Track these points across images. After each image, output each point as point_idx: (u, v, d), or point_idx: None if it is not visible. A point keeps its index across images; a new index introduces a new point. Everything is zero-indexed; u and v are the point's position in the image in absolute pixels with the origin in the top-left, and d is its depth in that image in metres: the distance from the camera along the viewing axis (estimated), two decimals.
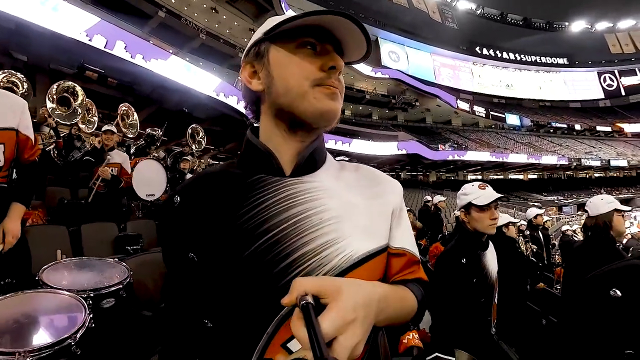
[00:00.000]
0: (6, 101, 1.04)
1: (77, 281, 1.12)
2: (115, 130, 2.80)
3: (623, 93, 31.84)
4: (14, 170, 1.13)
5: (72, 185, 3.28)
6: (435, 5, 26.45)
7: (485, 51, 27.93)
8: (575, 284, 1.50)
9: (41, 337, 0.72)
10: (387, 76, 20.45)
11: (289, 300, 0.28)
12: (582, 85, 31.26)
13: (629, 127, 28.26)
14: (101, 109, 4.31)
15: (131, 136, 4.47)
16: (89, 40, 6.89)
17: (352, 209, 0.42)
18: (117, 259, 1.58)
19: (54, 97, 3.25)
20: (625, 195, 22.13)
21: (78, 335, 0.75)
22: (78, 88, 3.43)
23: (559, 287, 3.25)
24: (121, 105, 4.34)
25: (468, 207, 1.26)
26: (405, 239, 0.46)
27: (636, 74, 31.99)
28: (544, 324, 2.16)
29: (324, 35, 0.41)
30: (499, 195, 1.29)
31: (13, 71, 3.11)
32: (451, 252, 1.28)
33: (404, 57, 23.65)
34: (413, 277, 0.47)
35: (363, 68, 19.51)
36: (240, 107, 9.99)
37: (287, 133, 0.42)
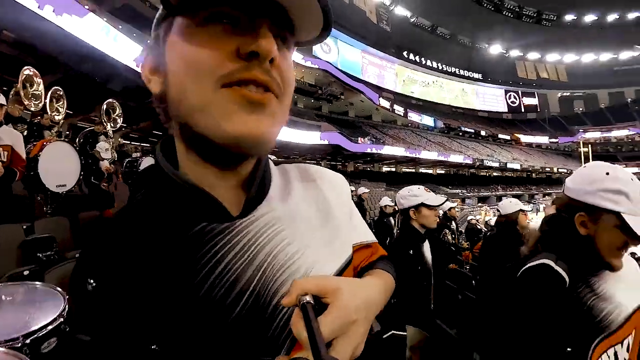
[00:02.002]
0: None
1: (3, 325, 0.85)
2: (3, 101, 2.09)
3: (523, 110, 39.23)
4: None
5: None
6: (374, 6, 28.28)
7: (411, 56, 31.04)
8: (489, 266, 1.86)
9: None
10: (316, 66, 20.98)
11: (289, 300, 0.27)
12: (491, 98, 37.46)
13: (524, 138, 34.87)
14: None
15: (33, 109, 3.43)
16: None
17: (313, 229, 0.38)
18: (27, 275, 1.25)
19: None
20: (517, 192, 26.99)
21: None
22: None
23: (467, 268, 3.79)
24: (24, 68, 3.32)
25: (418, 206, 1.51)
26: (364, 230, 0.46)
27: (534, 96, 39.81)
28: (460, 298, 2.55)
29: (255, 4, 0.27)
30: (445, 198, 1.70)
31: None
32: (399, 244, 1.55)
33: (335, 50, 24.67)
34: (376, 257, 0.47)
35: (294, 56, 19.48)
36: None
37: (206, 162, 0.32)
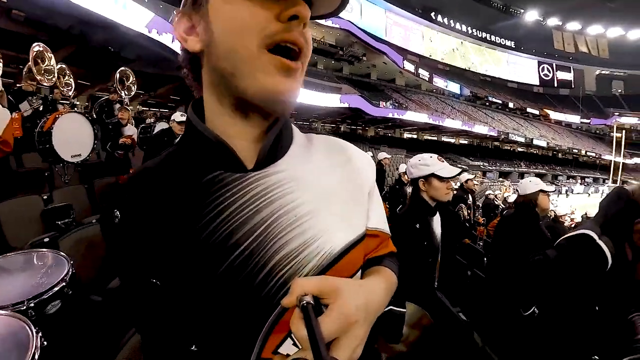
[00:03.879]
0: None
1: (8, 291, 0.91)
2: None
3: (555, 84, 37.01)
4: None
5: None
6: None
7: (439, 18, 29.18)
8: (501, 248, 1.79)
9: None
10: (337, 26, 20.22)
11: (289, 301, 0.28)
12: (522, 69, 35.35)
13: (553, 114, 33.21)
14: (5, 50, 3.45)
15: (47, 84, 3.57)
16: None
17: (327, 197, 0.38)
18: (47, 242, 1.32)
19: None
20: (540, 171, 26.40)
21: None
22: None
23: (481, 244, 3.73)
24: (34, 44, 3.42)
25: (428, 176, 1.38)
26: (380, 218, 0.46)
27: (570, 71, 37.26)
28: (469, 275, 2.48)
29: None
30: (460, 170, 1.45)
31: None
32: (406, 217, 1.41)
33: (357, 9, 23.56)
34: (385, 251, 0.47)
35: None
36: (176, 46, 8.67)
37: (235, 114, 0.35)
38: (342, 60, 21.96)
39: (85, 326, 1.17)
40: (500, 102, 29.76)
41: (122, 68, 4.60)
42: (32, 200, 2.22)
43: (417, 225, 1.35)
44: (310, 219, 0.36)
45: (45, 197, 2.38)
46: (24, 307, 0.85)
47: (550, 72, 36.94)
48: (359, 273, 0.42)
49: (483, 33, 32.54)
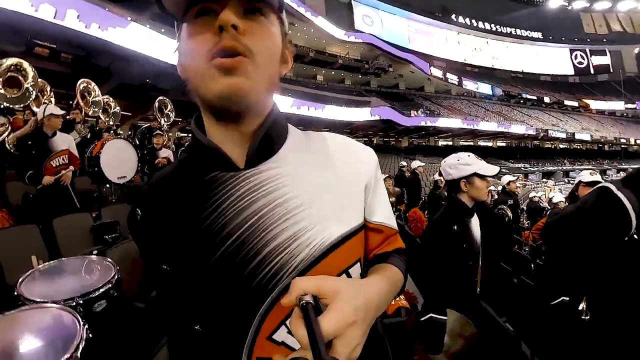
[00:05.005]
0: None
1: (61, 289, 1.06)
2: (59, 112, 2.58)
3: (592, 71, 34.86)
4: None
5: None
6: None
7: (460, 19, 28.89)
8: (556, 250, 1.56)
9: None
10: (360, 40, 20.76)
11: (289, 300, 0.29)
12: (554, 60, 33.72)
13: (594, 104, 31.17)
14: (56, 88, 3.98)
15: (93, 115, 4.20)
16: (35, 11, 6.37)
17: (321, 190, 0.41)
18: (96, 254, 1.50)
19: (0, 77, 2.94)
20: (586, 167, 24.79)
21: (79, 353, 0.72)
22: (25, 64, 3.12)
23: (527, 250, 3.58)
24: (80, 81, 4.04)
25: (470, 176, 1.34)
26: (384, 212, 0.47)
27: (606, 54, 34.97)
28: (515, 282, 2.35)
29: None
30: (499, 168, 1.43)
31: None
32: (443, 219, 1.36)
33: (378, 22, 24.03)
34: (392, 248, 0.48)
35: (336, 32, 19.65)
36: None
37: (219, 122, 0.40)
38: (368, 74, 22.32)
39: (126, 327, 1.26)
40: (534, 97, 28.57)
41: (161, 97, 5.03)
42: (83, 217, 2.52)
43: (455, 227, 1.30)
44: (302, 211, 0.39)
45: (94, 214, 2.66)
46: (74, 303, 0.95)
47: (584, 59, 34.96)
48: (358, 268, 0.43)
49: (507, 28, 31.71)
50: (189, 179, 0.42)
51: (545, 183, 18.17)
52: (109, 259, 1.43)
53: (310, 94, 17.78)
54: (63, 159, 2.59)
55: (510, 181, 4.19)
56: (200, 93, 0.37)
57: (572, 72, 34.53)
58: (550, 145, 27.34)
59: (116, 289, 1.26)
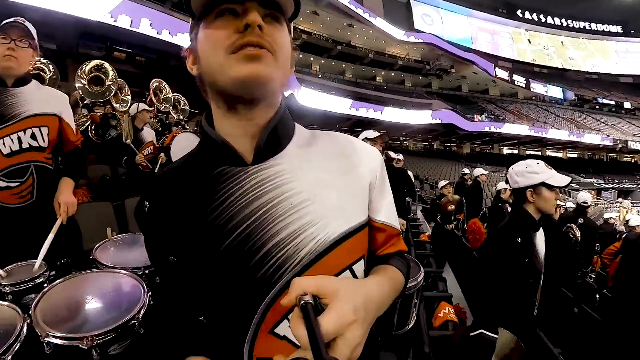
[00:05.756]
0: (51, 92, 1.28)
1: (130, 259, 1.14)
2: (149, 108, 3.01)
3: None
4: (59, 158, 1.25)
5: (112, 163, 3.52)
6: None
7: (527, 15, 26.85)
8: (629, 283, 1.45)
9: (106, 320, 0.74)
10: (420, 41, 20.24)
11: (289, 300, 0.30)
12: (636, 58, 29.73)
13: None
14: (133, 88, 4.33)
15: (163, 110, 4.69)
16: (115, 21, 7.45)
17: (325, 188, 0.42)
18: None
19: (86, 76, 3.39)
20: None
21: (141, 315, 0.78)
22: (107, 65, 3.53)
23: (593, 277, 3.34)
24: (153, 81, 4.49)
25: (537, 186, 1.26)
26: (388, 213, 0.48)
27: None
28: (576, 312, 2.19)
29: None
30: (571, 179, 1.34)
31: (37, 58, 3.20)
32: (506, 230, 1.29)
33: (438, 21, 23.19)
34: (394, 250, 0.50)
35: (395, 32, 19.35)
36: None
37: (230, 114, 0.42)
38: (429, 75, 21.77)
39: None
40: (613, 103, 25.82)
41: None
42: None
43: (519, 240, 1.21)
44: (307, 207, 0.40)
45: None
46: (141, 273, 1.02)
47: None
48: (362, 266, 0.44)
49: (581, 22, 28.78)
50: (198, 173, 0.44)
51: (621, 203, 16.29)
52: None
53: (369, 95, 17.75)
54: (150, 150, 3.10)
55: (586, 203, 3.65)
56: (218, 82, 0.39)
57: None
58: (629, 159, 24.56)
59: None
